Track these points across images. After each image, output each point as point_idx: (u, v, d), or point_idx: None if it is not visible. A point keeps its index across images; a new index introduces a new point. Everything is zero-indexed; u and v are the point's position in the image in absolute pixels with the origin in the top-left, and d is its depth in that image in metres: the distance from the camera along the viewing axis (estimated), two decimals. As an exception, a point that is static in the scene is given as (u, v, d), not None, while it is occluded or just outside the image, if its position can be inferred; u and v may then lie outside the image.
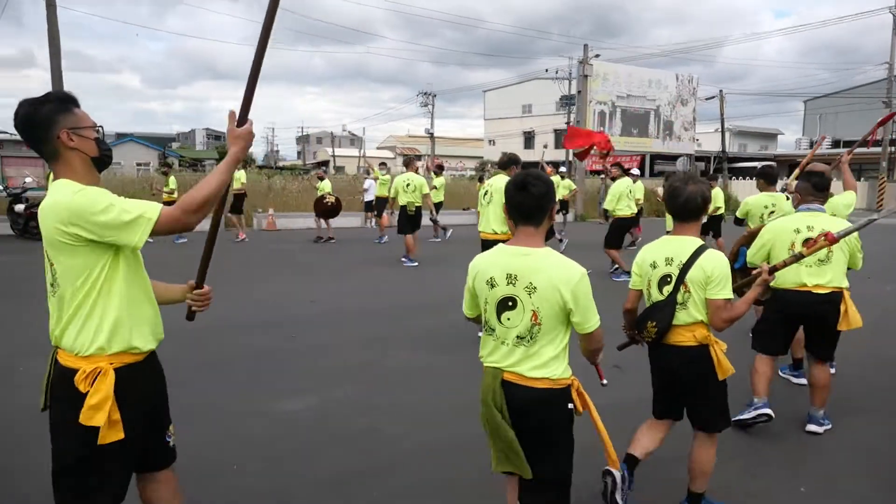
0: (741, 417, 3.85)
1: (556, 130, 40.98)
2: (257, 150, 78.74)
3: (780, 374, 5.12)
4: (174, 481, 2.27)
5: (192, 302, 2.34)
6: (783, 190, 5.80)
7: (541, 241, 2.24)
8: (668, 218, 4.95)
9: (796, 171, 5.67)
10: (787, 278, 3.79)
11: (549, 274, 2.16)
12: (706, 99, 32.06)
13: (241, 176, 13.64)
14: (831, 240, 2.98)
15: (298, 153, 74.77)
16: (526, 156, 44.38)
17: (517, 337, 2.19)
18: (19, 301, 7.22)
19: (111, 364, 1.95)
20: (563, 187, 14.31)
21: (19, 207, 13.13)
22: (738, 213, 5.89)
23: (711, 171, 22.86)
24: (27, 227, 12.91)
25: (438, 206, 14.18)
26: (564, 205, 14.79)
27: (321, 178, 14.38)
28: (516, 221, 2.24)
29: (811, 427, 3.95)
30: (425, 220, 11.61)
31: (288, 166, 49.71)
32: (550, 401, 2.20)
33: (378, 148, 69.22)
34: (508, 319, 2.20)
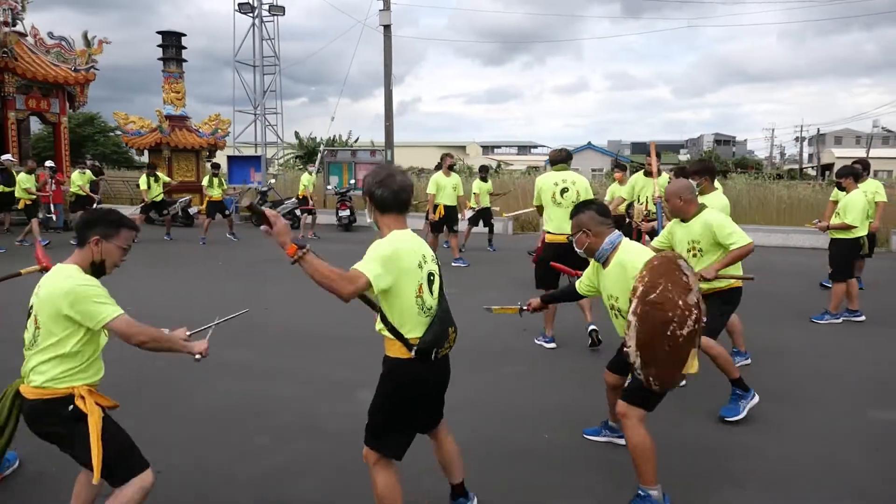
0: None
1: None
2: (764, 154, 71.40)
3: None
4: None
5: None
6: None
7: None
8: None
9: None
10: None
11: (49, 282, 2.27)
12: None
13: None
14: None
15: (810, 155, 64.08)
16: None
17: (28, 343, 2.28)
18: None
19: None
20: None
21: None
22: None
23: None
24: (346, 220, 15.67)
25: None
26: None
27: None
28: None
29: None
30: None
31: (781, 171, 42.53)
32: (42, 410, 2.24)
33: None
34: (27, 329, 2.29)
